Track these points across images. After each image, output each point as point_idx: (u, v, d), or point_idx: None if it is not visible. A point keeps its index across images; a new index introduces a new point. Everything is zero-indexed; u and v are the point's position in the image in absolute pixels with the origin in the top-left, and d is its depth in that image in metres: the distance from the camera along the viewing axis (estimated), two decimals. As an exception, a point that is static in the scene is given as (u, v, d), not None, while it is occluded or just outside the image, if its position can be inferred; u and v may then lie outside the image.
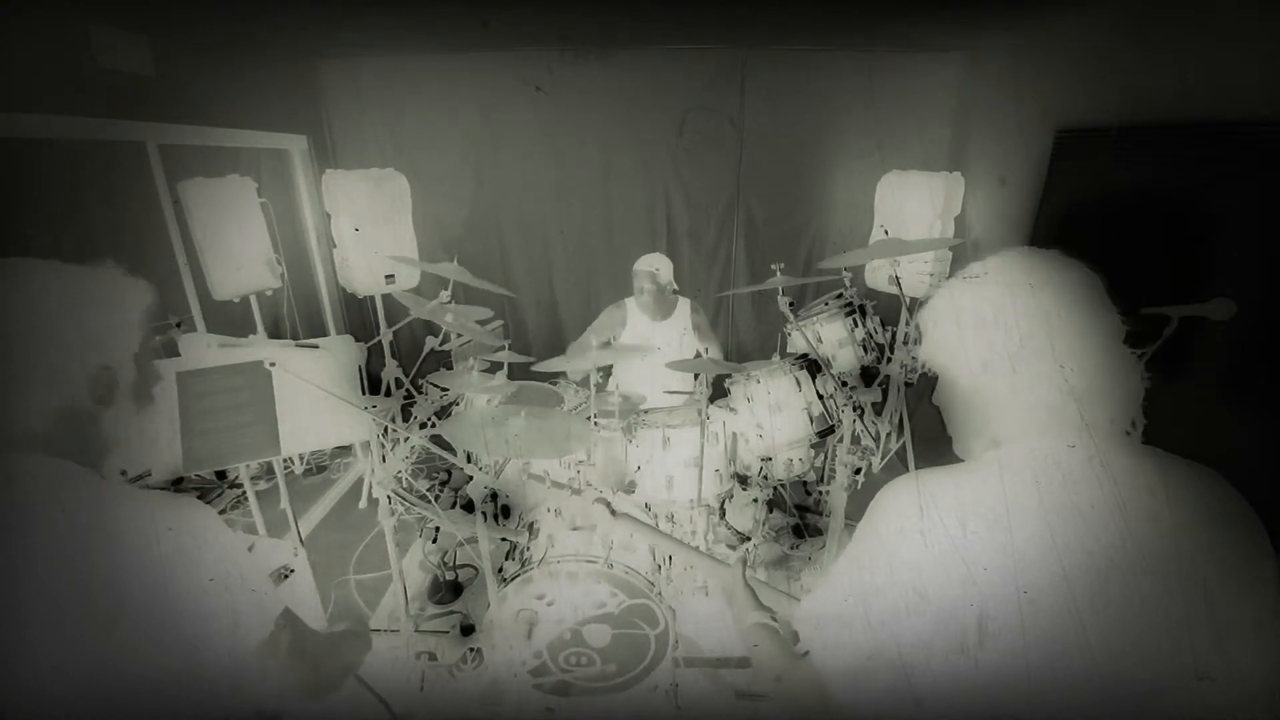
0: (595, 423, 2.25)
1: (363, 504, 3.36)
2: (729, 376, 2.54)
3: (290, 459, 3.43)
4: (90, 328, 0.80)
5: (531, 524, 2.13)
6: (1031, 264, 0.79)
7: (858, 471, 2.29)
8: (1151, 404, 0.77)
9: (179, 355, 1.80)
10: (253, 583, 0.84)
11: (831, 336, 2.65)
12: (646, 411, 2.70)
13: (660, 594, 1.93)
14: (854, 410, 2.20)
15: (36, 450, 0.76)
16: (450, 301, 2.31)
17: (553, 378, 2.99)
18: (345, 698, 1.29)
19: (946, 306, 0.82)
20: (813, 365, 2.47)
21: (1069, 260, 0.79)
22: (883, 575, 0.76)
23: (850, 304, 2.68)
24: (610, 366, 3.05)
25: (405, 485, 2.11)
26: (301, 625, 0.92)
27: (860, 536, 0.81)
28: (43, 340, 0.77)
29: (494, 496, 2.15)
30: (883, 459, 3.07)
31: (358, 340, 2.00)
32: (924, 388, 3.49)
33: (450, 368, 2.81)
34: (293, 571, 1.68)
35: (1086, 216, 2.53)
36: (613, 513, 1.49)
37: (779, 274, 2.17)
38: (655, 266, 2.83)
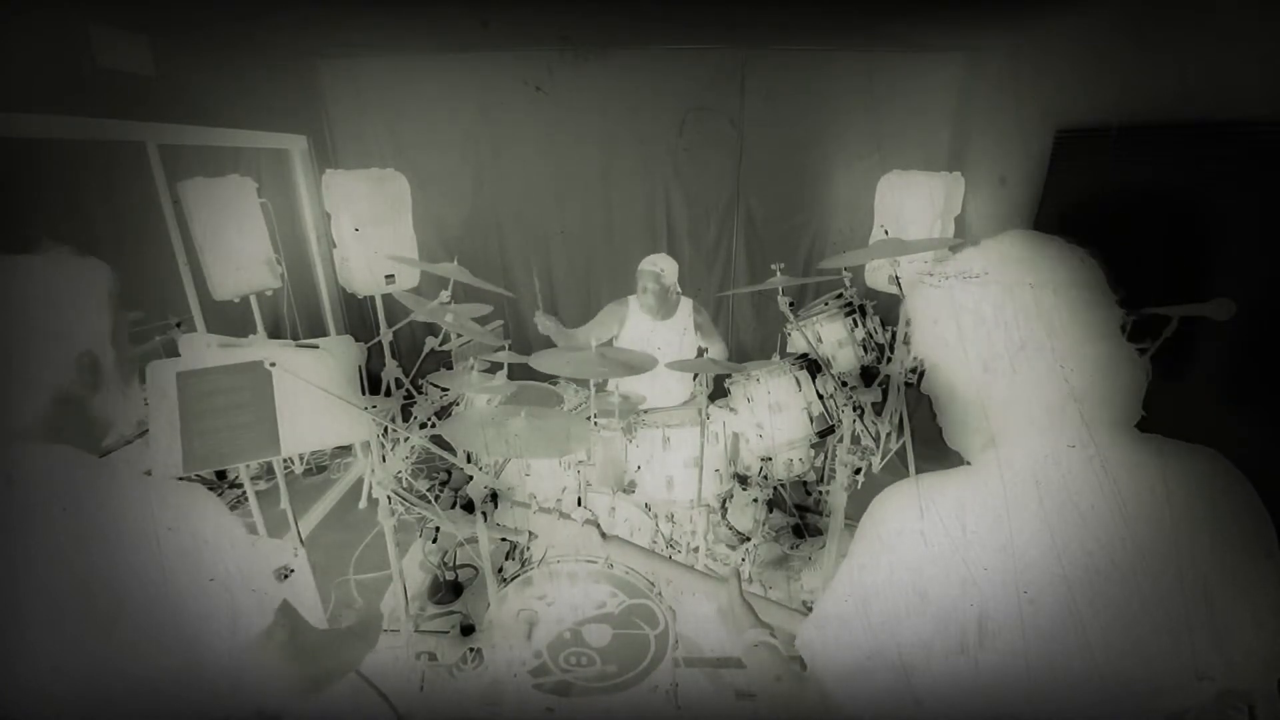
0: (595, 423, 2.25)
1: (363, 504, 3.35)
2: (729, 376, 2.54)
3: (290, 459, 3.43)
4: (64, 314, 0.80)
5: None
6: (1030, 253, 0.76)
7: (858, 471, 2.28)
8: (1151, 404, 0.76)
9: (179, 355, 1.79)
10: (253, 581, 0.84)
11: (831, 336, 2.65)
12: (646, 411, 2.70)
13: (660, 594, 1.93)
14: (854, 410, 2.20)
15: (36, 439, 0.76)
16: (450, 301, 2.30)
17: (552, 377, 2.98)
18: (347, 696, 1.29)
19: (933, 300, 0.80)
20: (813, 365, 2.47)
21: (1069, 247, 0.76)
22: (883, 576, 0.76)
23: (850, 304, 2.68)
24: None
25: (405, 485, 2.10)
26: (300, 620, 0.92)
27: (860, 539, 0.81)
28: (19, 332, 0.77)
29: (494, 496, 2.15)
30: (883, 459, 3.06)
31: (358, 340, 2.00)
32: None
33: (450, 368, 2.82)
34: (292, 571, 1.69)
35: (1086, 216, 2.53)
36: (603, 536, 1.51)
37: (779, 274, 2.17)
38: (660, 267, 2.83)
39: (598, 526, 1.52)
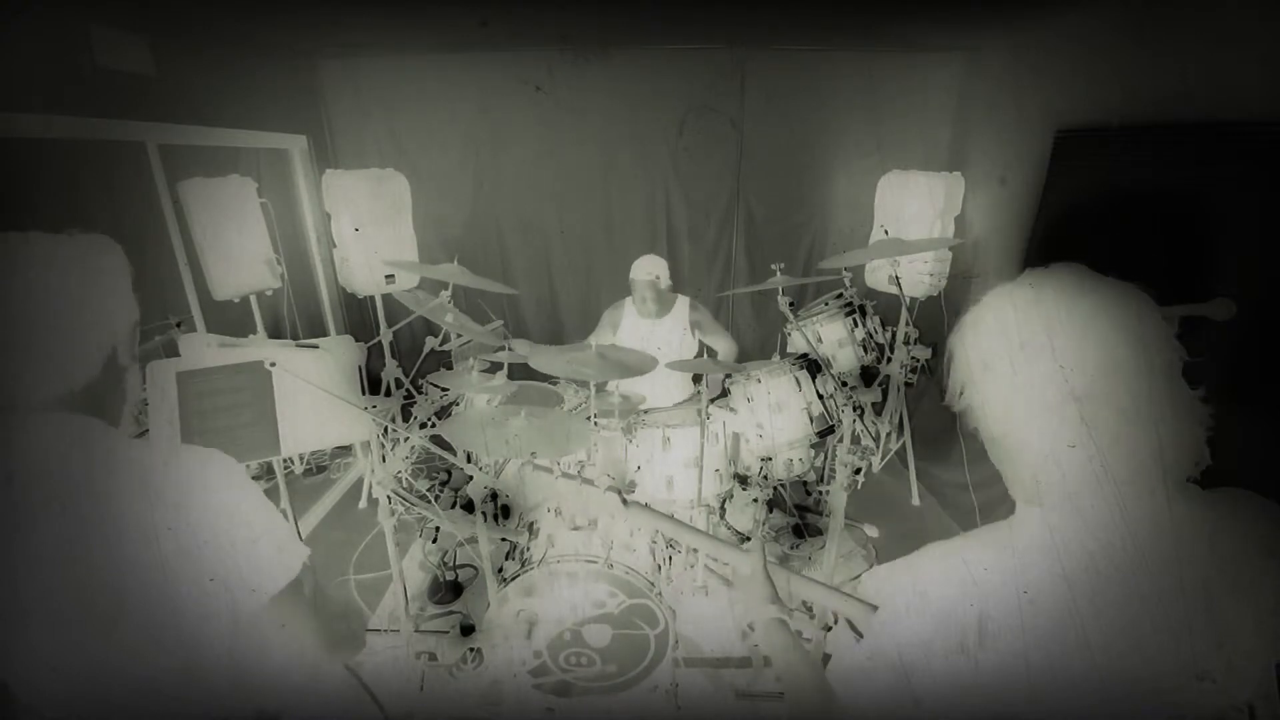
0: (595, 423, 2.25)
1: (363, 504, 3.36)
2: (729, 376, 2.54)
3: (290, 459, 3.43)
4: (120, 289, 0.85)
5: (531, 524, 2.13)
6: (1084, 289, 0.71)
7: (858, 471, 2.29)
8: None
9: (179, 355, 1.79)
10: (253, 582, 0.84)
11: (831, 336, 2.65)
12: (646, 411, 2.70)
13: (660, 594, 1.93)
14: (854, 410, 2.20)
15: (65, 409, 0.79)
16: (450, 301, 2.31)
17: (552, 377, 2.98)
18: (346, 697, 1.28)
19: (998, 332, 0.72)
20: (813, 365, 2.47)
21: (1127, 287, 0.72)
22: (883, 575, 0.76)
23: (850, 304, 2.68)
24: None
25: (405, 485, 2.11)
26: (318, 581, 0.93)
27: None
28: (84, 305, 0.82)
29: (494, 496, 2.15)
30: (883, 459, 3.05)
31: (358, 340, 2.00)
32: (924, 387, 3.49)
33: (450, 368, 2.82)
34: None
35: (1086, 216, 2.53)
36: (625, 503, 1.48)
37: (779, 274, 2.17)
38: (655, 274, 2.81)
39: (619, 493, 1.50)
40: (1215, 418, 0.67)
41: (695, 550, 2.41)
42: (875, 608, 0.78)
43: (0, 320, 0.76)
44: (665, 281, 2.85)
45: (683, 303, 2.99)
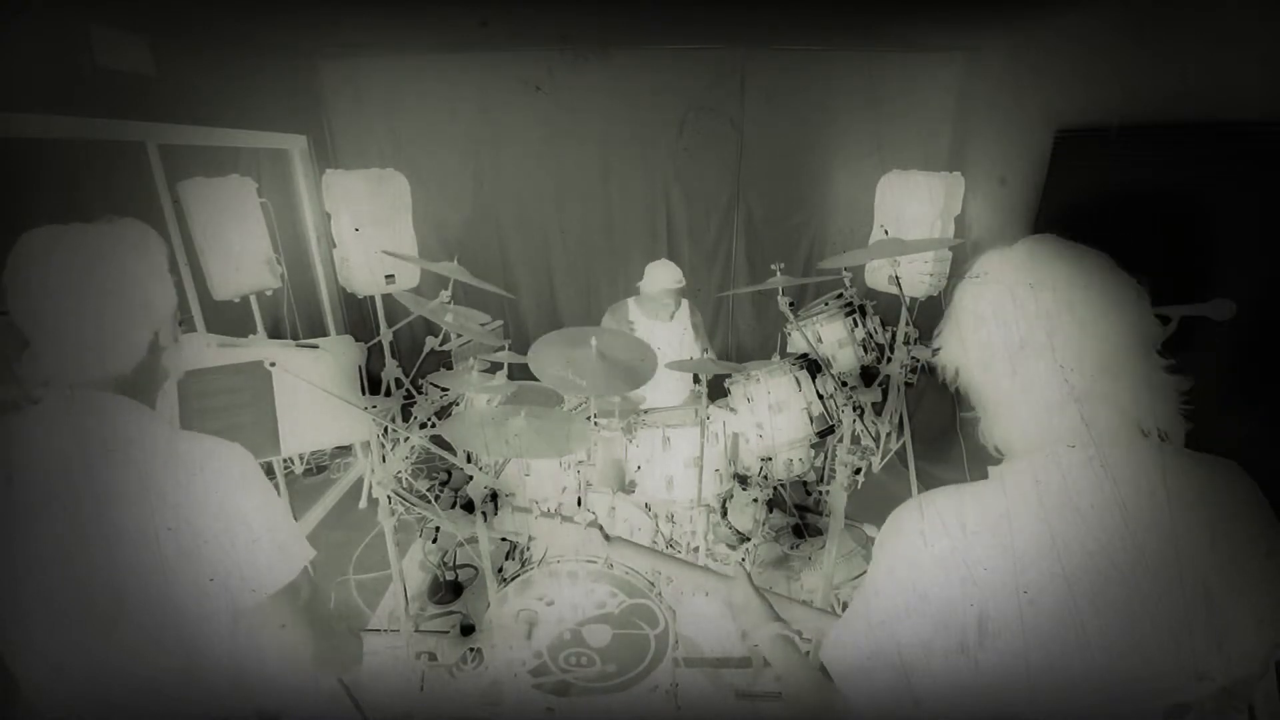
0: (595, 423, 2.25)
1: (363, 504, 3.36)
2: (729, 376, 2.55)
3: (290, 459, 3.43)
4: (161, 273, 0.88)
5: (531, 524, 2.13)
6: (1054, 256, 0.77)
7: (858, 471, 2.28)
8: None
9: (179, 355, 1.79)
10: (253, 583, 0.84)
11: (831, 336, 2.65)
12: (646, 411, 2.70)
13: (660, 594, 1.93)
14: (854, 410, 2.20)
15: (111, 390, 0.81)
16: (450, 302, 2.31)
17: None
18: (346, 697, 1.29)
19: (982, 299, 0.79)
20: (813, 365, 2.47)
21: (1097, 255, 0.77)
22: (883, 575, 0.76)
23: (850, 304, 2.68)
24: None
25: (405, 485, 2.11)
26: (318, 589, 0.94)
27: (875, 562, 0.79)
28: (131, 289, 0.85)
29: (494, 496, 2.15)
30: (883, 459, 3.06)
31: (358, 340, 2.00)
32: (924, 387, 3.49)
33: (450, 368, 2.82)
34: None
35: (1086, 216, 2.53)
36: (606, 538, 1.50)
37: (779, 274, 2.17)
38: (679, 280, 2.86)
39: (601, 529, 1.51)
40: (1190, 390, 0.73)
41: (695, 549, 2.41)
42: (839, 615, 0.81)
43: (55, 308, 0.79)
44: (683, 284, 2.89)
45: (684, 304, 3.00)
